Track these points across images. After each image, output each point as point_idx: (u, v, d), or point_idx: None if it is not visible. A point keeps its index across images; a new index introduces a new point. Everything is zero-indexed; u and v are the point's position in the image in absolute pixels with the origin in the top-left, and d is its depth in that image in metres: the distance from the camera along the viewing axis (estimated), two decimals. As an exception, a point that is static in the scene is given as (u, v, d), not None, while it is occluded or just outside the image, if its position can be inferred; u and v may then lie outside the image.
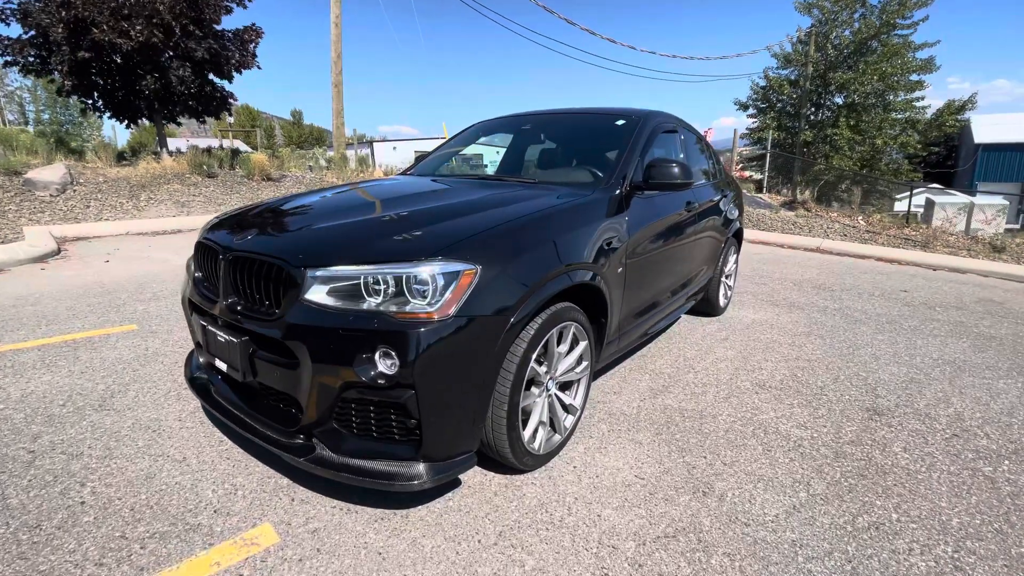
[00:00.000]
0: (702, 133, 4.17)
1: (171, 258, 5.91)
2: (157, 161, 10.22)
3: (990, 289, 6.19)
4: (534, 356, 1.91)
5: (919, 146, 20.53)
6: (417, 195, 2.52)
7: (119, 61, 10.03)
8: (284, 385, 1.78)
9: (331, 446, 1.75)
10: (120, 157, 11.16)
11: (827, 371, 3.38)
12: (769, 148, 20.48)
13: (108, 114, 11.04)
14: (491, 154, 3.49)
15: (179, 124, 13.59)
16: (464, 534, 1.78)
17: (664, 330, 3.93)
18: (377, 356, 1.59)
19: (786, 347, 3.79)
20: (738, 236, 4.60)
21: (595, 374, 2.78)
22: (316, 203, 2.43)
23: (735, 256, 4.65)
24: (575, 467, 2.20)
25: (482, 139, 3.53)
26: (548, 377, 2.10)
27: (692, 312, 4.41)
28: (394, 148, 33.40)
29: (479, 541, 1.75)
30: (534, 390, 2.04)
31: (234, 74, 13.44)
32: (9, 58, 9.72)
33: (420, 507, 1.91)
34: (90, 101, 10.67)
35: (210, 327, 1.96)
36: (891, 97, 20.29)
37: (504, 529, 1.81)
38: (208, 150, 11.40)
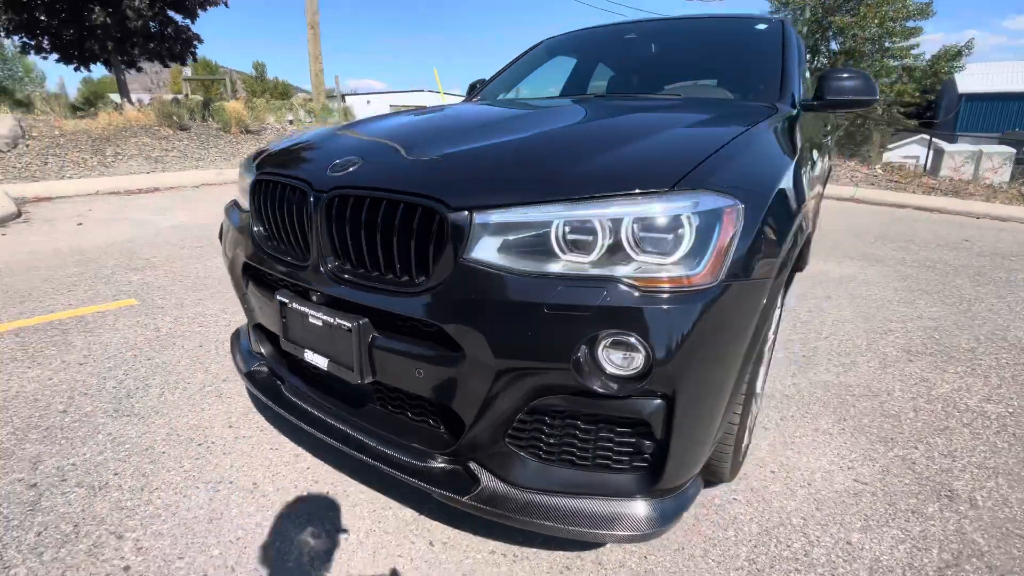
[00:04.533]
0: None
1: (154, 219, 5.09)
2: (119, 112, 9.03)
3: (1047, 236, 5.88)
4: None
5: (916, 94, 20.13)
6: (556, 114, 1.80)
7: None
8: (428, 389, 1.19)
9: (504, 476, 1.18)
10: (75, 109, 9.89)
11: (960, 330, 2.95)
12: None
13: (56, 56, 9.68)
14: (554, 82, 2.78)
15: (139, 70, 12.15)
16: (695, 587, 1.26)
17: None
18: (603, 349, 1.02)
19: (898, 304, 3.34)
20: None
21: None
22: (415, 125, 1.73)
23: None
24: (773, 471, 1.70)
25: (560, 56, 2.83)
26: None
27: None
28: (368, 102, 31.52)
29: (720, 597, 1.24)
30: None
31: (199, 11, 12.04)
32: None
33: (610, 547, 1.38)
34: (34, 41, 9.29)
35: (295, 305, 1.34)
36: (887, 44, 19.68)
37: None
38: (177, 100, 10.20)
